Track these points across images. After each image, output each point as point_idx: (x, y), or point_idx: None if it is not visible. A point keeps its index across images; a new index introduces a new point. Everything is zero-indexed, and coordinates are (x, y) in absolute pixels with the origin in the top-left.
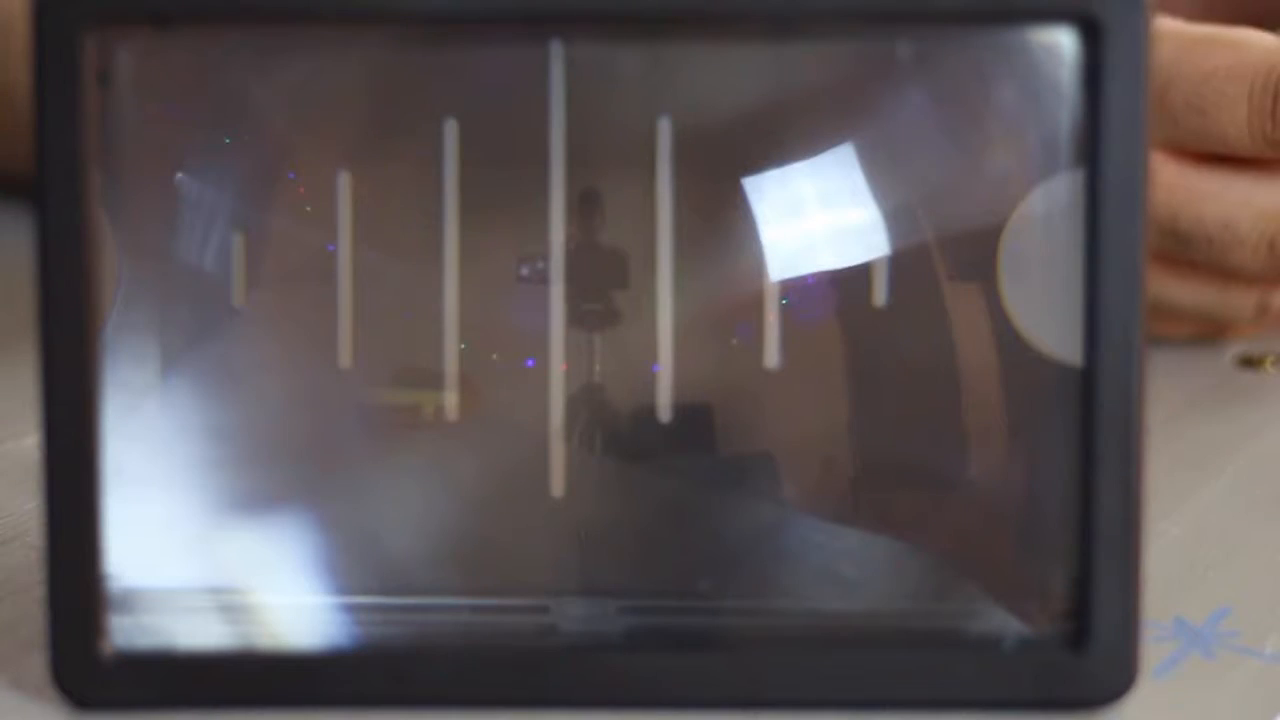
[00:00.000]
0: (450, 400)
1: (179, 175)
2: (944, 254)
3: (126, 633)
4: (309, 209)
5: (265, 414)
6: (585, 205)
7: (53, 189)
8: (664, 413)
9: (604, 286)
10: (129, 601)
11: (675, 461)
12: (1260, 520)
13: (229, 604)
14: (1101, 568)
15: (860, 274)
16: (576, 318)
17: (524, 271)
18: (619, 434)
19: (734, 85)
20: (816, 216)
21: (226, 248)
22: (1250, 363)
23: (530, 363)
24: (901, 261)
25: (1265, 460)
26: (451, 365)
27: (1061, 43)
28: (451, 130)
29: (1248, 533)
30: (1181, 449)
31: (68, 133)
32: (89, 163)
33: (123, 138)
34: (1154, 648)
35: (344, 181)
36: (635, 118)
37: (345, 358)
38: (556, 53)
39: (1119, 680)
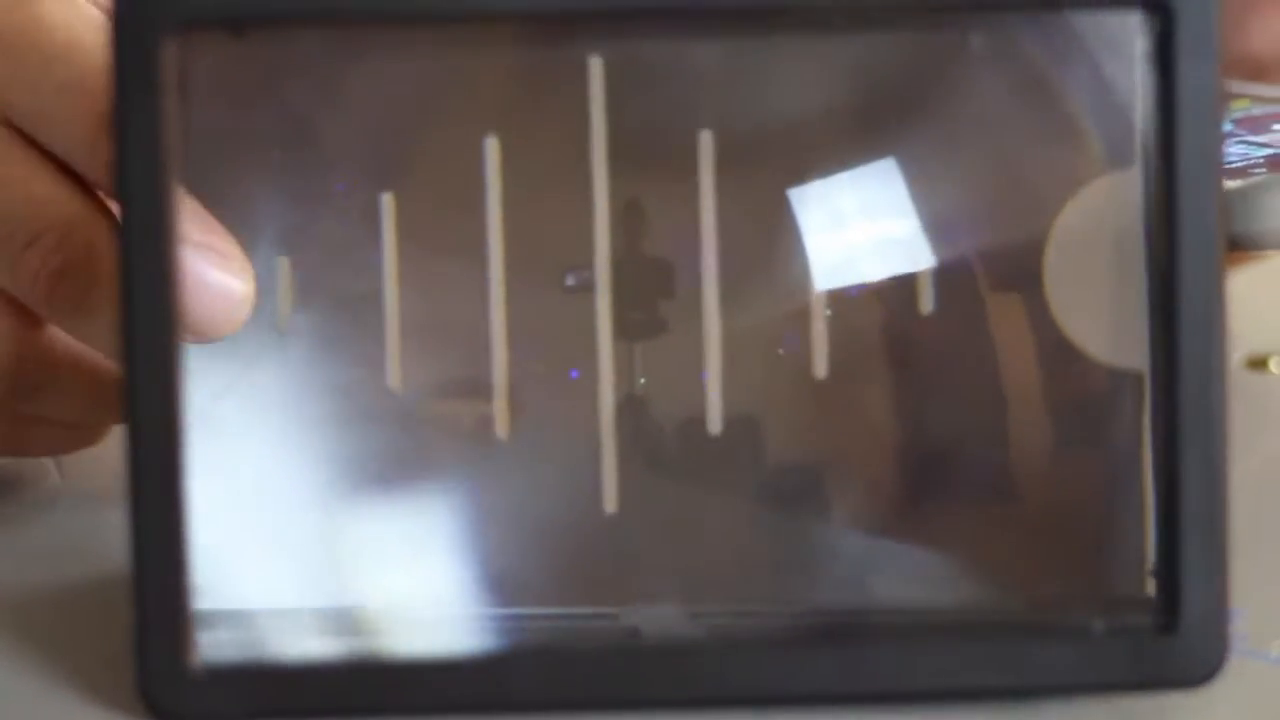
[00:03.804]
0: (500, 417)
1: (241, 185)
2: (993, 258)
3: (214, 645)
4: (358, 226)
5: (328, 434)
6: (629, 215)
7: (136, 200)
8: (714, 423)
9: (649, 296)
10: (217, 614)
11: (728, 472)
12: (1267, 523)
13: (317, 616)
14: (1188, 553)
15: (907, 281)
16: (621, 328)
17: (570, 281)
18: (667, 445)
19: (779, 91)
20: (864, 222)
21: (273, 266)
22: (1257, 364)
23: (575, 374)
24: (951, 267)
25: (1273, 463)
26: (501, 380)
27: (1130, 28)
28: (493, 147)
29: (1255, 536)
30: None
31: (149, 142)
32: (170, 172)
33: (199, 148)
34: None
35: (387, 201)
36: (678, 125)
37: (395, 377)
38: (596, 65)
39: (1210, 660)
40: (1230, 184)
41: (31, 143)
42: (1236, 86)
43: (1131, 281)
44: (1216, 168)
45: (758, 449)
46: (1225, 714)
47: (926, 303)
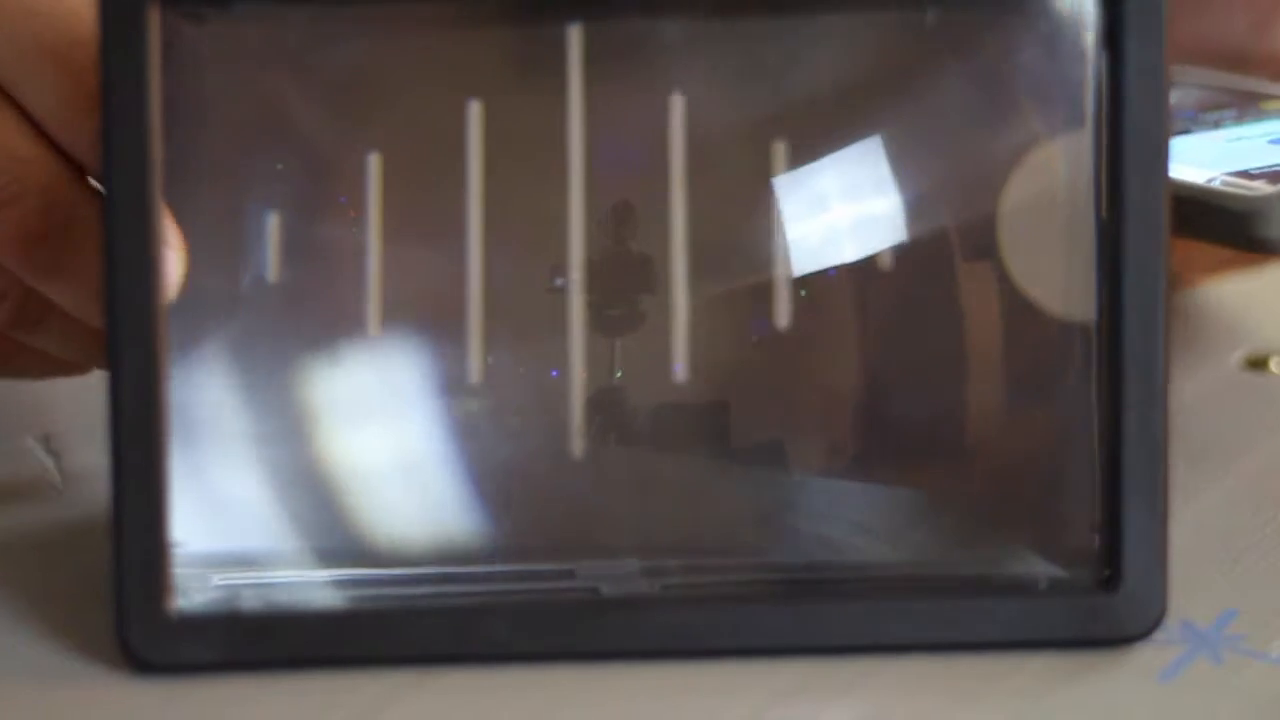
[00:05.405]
0: (477, 398)
1: (225, 151)
2: (949, 219)
3: (191, 594)
4: (342, 190)
5: (306, 386)
6: (618, 215)
7: (120, 164)
8: (682, 379)
9: (631, 292)
10: (194, 563)
11: (694, 430)
12: (1267, 522)
13: (293, 567)
14: (1129, 509)
15: (873, 251)
16: (599, 323)
17: (558, 282)
18: (637, 413)
19: (746, 68)
20: (837, 197)
21: (264, 225)
22: (1256, 364)
23: (555, 373)
24: (911, 231)
25: (1272, 462)
26: (477, 371)
27: (1083, 5)
28: (475, 111)
29: (1254, 535)
30: (1187, 451)
31: (135, 108)
32: (154, 139)
33: (182, 114)
34: (1161, 651)
35: (373, 162)
36: (652, 93)
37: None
38: (575, 33)
39: (1149, 617)
40: (1268, 189)
41: (13, 103)
42: (1266, 87)
43: (1084, 235)
44: (1163, 151)
45: (723, 411)
46: (1226, 714)
47: (885, 262)
